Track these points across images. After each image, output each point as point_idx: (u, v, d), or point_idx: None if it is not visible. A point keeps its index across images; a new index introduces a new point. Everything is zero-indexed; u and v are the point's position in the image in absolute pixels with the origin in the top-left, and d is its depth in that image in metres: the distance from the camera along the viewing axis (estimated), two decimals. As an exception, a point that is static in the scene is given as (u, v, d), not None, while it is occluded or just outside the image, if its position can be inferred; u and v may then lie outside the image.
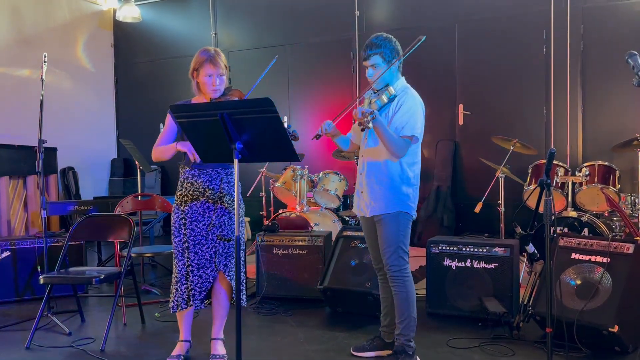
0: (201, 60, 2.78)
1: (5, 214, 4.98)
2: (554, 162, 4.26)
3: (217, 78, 2.78)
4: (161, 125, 3.02)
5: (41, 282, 3.26)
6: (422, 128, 2.73)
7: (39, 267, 4.08)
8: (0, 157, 4.94)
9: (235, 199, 2.41)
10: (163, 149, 2.84)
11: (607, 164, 4.39)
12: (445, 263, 3.54)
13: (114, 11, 7.90)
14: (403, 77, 2.82)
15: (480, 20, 5.93)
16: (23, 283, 4.19)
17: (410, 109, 2.68)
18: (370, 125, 2.52)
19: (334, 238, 4.02)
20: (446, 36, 6.08)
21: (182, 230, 2.81)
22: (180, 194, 2.86)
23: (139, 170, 5.28)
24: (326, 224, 4.74)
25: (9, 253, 4.01)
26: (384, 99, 2.69)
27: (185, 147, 2.70)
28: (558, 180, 4.36)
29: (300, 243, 4.00)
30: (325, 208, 5.08)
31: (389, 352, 2.82)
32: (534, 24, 5.66)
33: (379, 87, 2.75)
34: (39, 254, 4.11)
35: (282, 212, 4.91)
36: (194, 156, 2.66)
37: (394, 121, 2.69)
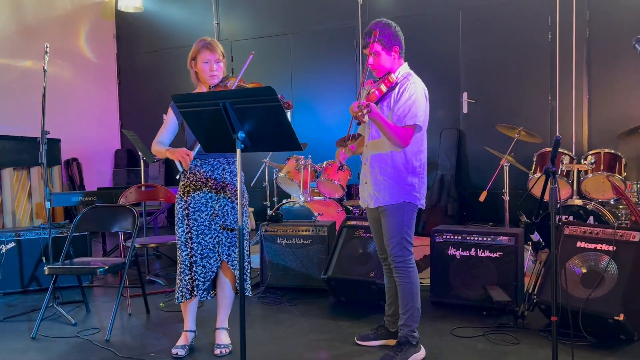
0: (198, 48, 2.81)
1: (10, 205, 4.99)
2: (559, 150, 4.24)
3: (214, 64, 2.79)
4: (164, 115, 3.01)
5: (46, 272, 3.28)
6: (425, 116, 2.67)
7: (43, 258, 4.10)
8: (3, 148, 4.94)
9: (238, 189, 2.39)
10: (158, 149, 2.83)
11: (613, 151, 4.34)
12: (449, 252, 3.53)
13: (116, 1, 7.86)
14: (406, 63, 2.76)
15: (485, 6, 5.86)
16: (28, 274, 4.21)
17: (411, 96, 2.60)
18: (366, 119, 2.49)
19: (337, 228, 4.01)
20: (450, 23, 6.01)
21: (185, 221, 2.82)
22: (183, 184, 2.86)
23: (142, 161, 5.28)
24: (330, 213, 4.73)
25: None
26: (383, 88, 2.63)
27: (173, 155, 2.68)
28: (563, 169, 4.33)
29: (304, 233, 4.00)
30: (329, 198, 5.07)
31: (394, 341, 2.81)
32: (538, 9, 5.59)
33: (380, 74, 2.71)
34: (43, 245, 4.13)
35: (286, 202, 4.90)
36: (183, 163, 2.65)
37: (396, 110, 2.63)
